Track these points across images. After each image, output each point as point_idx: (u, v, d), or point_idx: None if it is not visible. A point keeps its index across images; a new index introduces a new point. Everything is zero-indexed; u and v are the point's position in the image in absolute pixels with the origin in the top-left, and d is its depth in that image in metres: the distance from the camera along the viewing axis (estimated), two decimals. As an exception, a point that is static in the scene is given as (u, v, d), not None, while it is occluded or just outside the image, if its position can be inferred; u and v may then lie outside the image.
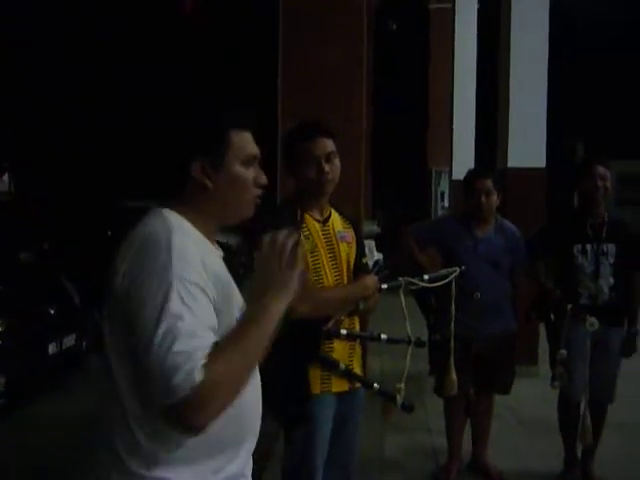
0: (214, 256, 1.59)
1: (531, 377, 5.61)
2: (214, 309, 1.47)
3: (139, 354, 1.40)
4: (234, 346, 1.42)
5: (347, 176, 2.97)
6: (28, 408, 5.28)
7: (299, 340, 2.36)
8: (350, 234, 2.76)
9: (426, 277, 2.94)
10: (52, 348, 5.70)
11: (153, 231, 1.48)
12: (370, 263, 2.83)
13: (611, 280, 3.85)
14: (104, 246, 4.53)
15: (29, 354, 5.45)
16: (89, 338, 6.28)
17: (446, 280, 3.08)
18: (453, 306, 3.50)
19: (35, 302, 5.90)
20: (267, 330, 1.46)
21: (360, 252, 2.79)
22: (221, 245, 1.68)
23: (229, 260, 1.66)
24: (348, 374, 2.68)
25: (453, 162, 11.11)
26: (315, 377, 2.62)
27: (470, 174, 4.10)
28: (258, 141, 1.64)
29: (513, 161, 6.41)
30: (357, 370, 2.74)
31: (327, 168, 2.62)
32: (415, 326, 2.55)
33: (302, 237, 2.62)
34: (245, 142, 1.61)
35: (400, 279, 2.68)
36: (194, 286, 1.43)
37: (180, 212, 1.54)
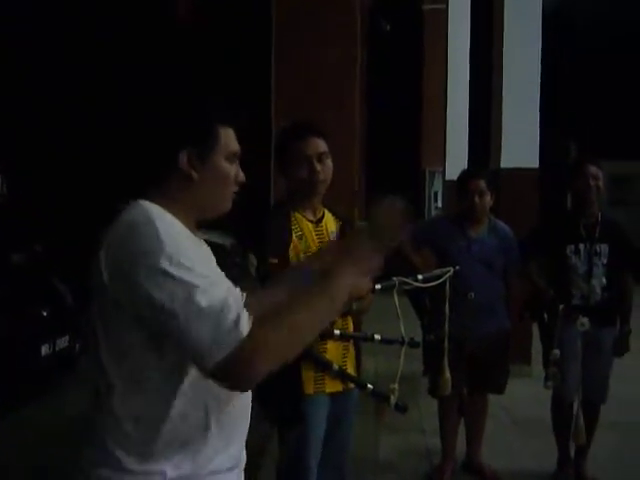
0: (204, 248, 1.62)
1: (524, 377, 5.62)
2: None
3: (174, 332, 1.38)
4: (289, 309, 1.47)
5: (340, 176, 2.97)
6: (22, 410, 5.25)
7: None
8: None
9: (420, 277, 2.92)
10: (45, 350, 5.68)
11: (135, 218, 1.47)
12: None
13: (604, 280, 3.86)
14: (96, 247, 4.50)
15: (22, 356, 5.43)
16: (82, 339, 6.25)
17: (440, 280, 3.07)
18: (447, 306, 3.49)
19: (28, 304, 5.86)
20: (324, 301, 1.51)
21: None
22: (216, 246, 1.68)
23: (223, 261, 1.66)
24: (341, 375, 2.68)
25: (446, 162, 11.10)
26: (309, 378, 2.61)
27: (463, 174, 4.10)
28: (251, 141, 1.64)
29: (506, 161, 6.41)
30: (351, 370, 2.74)
31: (319, 168, 2.62)
32: (409, 326, 2.54)
33: (295, 237, 2.62)
34: (229, 138, 1.62)
35: (394, 279, 2.67)
36: (190, 259, 1.43)
37: (161, 204, 1.53)
